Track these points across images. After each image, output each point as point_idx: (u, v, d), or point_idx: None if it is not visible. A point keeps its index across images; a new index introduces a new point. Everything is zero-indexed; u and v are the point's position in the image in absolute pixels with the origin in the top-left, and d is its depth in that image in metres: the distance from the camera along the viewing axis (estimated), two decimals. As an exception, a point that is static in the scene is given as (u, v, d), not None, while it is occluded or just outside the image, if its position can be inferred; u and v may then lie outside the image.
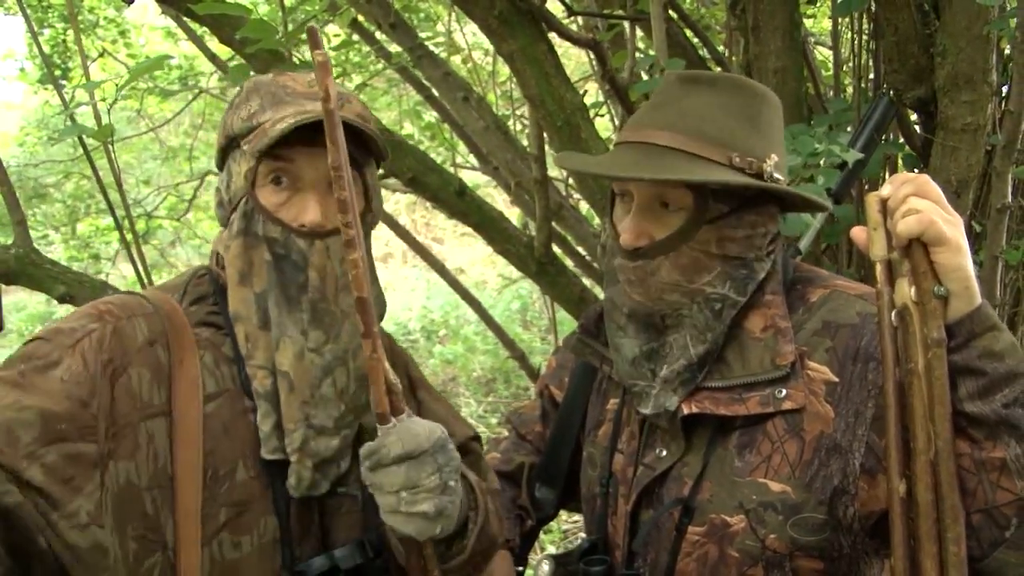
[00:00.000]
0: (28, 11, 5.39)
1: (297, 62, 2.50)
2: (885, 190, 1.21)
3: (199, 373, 1.30)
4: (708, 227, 1.37)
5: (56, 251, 6.81)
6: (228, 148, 1.36)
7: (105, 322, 1.27)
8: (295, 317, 1.31)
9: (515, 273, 3.25)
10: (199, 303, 1.38)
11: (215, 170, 1.55)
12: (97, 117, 2.34)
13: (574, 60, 6.36)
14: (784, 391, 1.36)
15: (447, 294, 7.86)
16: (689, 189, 1.36)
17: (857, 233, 1.25)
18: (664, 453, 1.46)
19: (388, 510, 1.21)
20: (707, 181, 1.33)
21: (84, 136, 2.35)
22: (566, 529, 5.17)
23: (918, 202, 1.17)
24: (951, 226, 1.16)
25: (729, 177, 1.34)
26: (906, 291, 1.19)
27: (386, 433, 1.20)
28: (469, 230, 3.09)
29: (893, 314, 1.20)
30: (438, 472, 1.21)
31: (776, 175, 1.37)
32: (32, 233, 2.48)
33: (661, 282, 1.39)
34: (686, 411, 1.40)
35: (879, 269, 1.22)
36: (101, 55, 5.22)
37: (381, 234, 9.64)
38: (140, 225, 5.75)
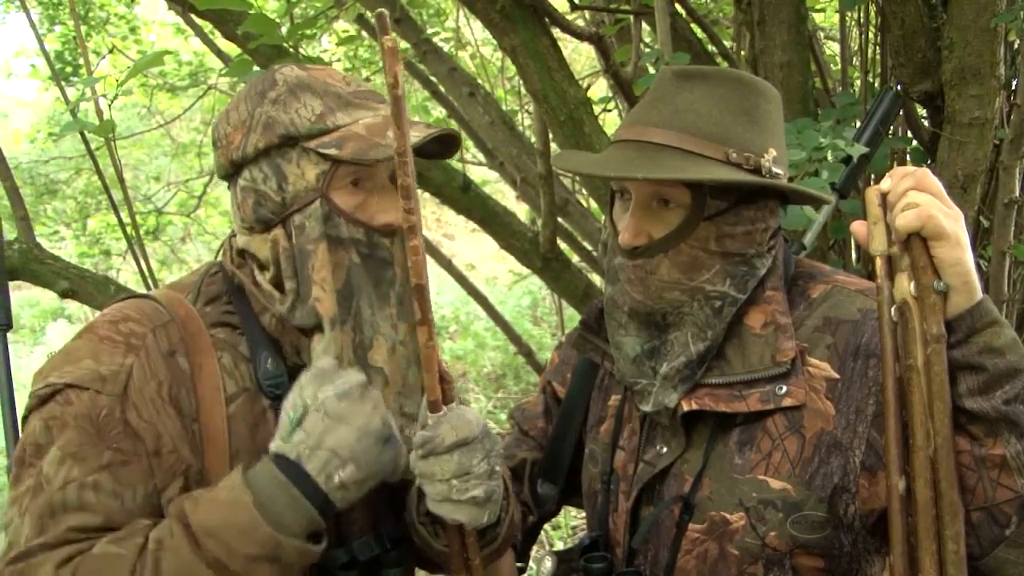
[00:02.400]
0: (38, 8, 5.42)
1: (301, 57, 2.50)
2: (885, 184, 1.20)
3: (219, 376, 1.31)
4: (707, 224, 1.36)
5: (67, 247, 6.84)
6: (282, 147, 1.33)
7: (136, 352, 1.29)
8: (385, 313, 1.34)
9: (525, 269, 3.25)
10: (213, 303, 1.38)
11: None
12: (99, 113, 2.35)
13: (584, 55, 6.35)
14: (784, 388, 1.35)
15: (457, 290, 7.86)
16: (686, 187, 1.34)
17: (857, 228, 1.24)
18: (664, 450, 1.45)
19: (439, 498, 1.22)
20: (702, 179, 1.32)
21: (88, 132, 2.36)
22: (575, 525, 5.16)
23: (917, 196, 1.15)
24: (951, 220, 1.14)
25: (725, 174, 1.32)
26: (906, 286, 1.17)
27: (438, 422, 1.21)
28: (481, 226, 3.09)
29: (893, 309, 1.19)
30: (486, 458, 1.22)
31: (775, 169, 1.36)
32: (43, 229, 2.50)
33: (661, 280, 1.38)
34: (686, 408, 1.39)
35: (879, 264, 1.20)
36: (111, 51, 5.23)
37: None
38: (151, 221, 5.77)
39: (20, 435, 1.33)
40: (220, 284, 1.39)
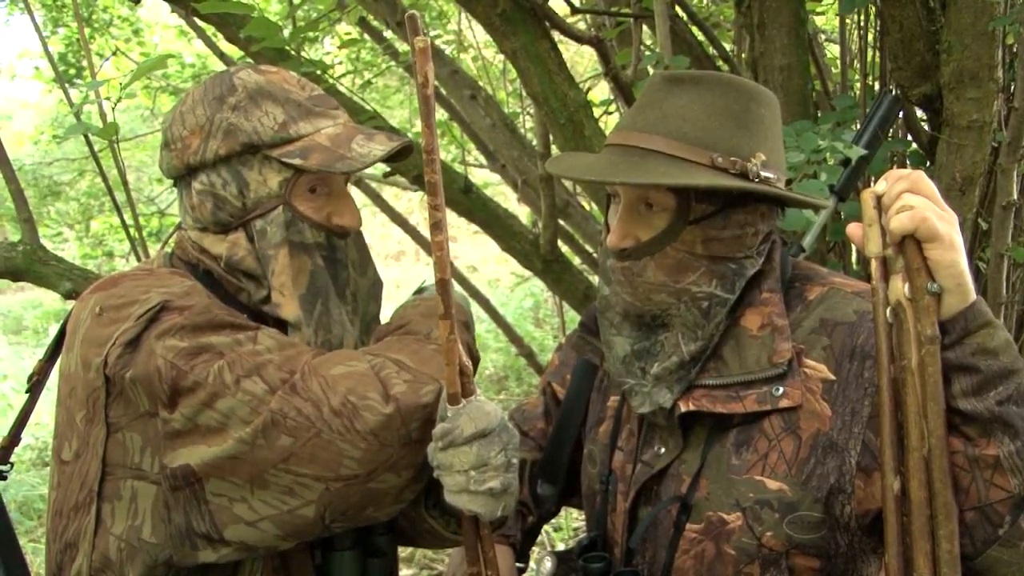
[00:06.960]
0: (41, 11, 5.43)
1: (303, 60, 2.51)
2: (880, 186, 1.21)
3: None
4: (692, 228, 1.36)
5: (70, 249, 6.86)
6: (243, 154, 1.36)
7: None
8: (346, 311, 1.40)
9: (527, 271, 3.27)
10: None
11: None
12: (103, 116, 2.36)
13: (585, 58, 6.36)
14: (781, 389, 1.36)
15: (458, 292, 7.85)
16: (670, 191, 1.35)
17: (853, 230, 1.24)
18: (662, 451, 1.46)
19: (456, 490, 1.23)
20: (679, 184, 1.32)
21: (92, 135, 2.37)
22: (576, 527, 5.16)
23: (911, 198, 1.16)
24: (944, 222, 1.15)
25: (708, 179, 1.32)
26: (900, 288, 1.18)
27: (457, 414, 1.22)
28: (483, 228, 3.10)
29: (888, 311, 1.20)
30: (504, 450, 1.24)
31: (764, 173, 1.35)
32: (46, 231, 2.51)
33: (647, 283, 1.39)
34: (683, 409, 1.40)
35: (874, 266, 1.21)
36: (115, 54, 5.25)
37: (393, 232, 9.64)
38: (153, 223, 5.78)
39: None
40: (187, 271, 1.42)
